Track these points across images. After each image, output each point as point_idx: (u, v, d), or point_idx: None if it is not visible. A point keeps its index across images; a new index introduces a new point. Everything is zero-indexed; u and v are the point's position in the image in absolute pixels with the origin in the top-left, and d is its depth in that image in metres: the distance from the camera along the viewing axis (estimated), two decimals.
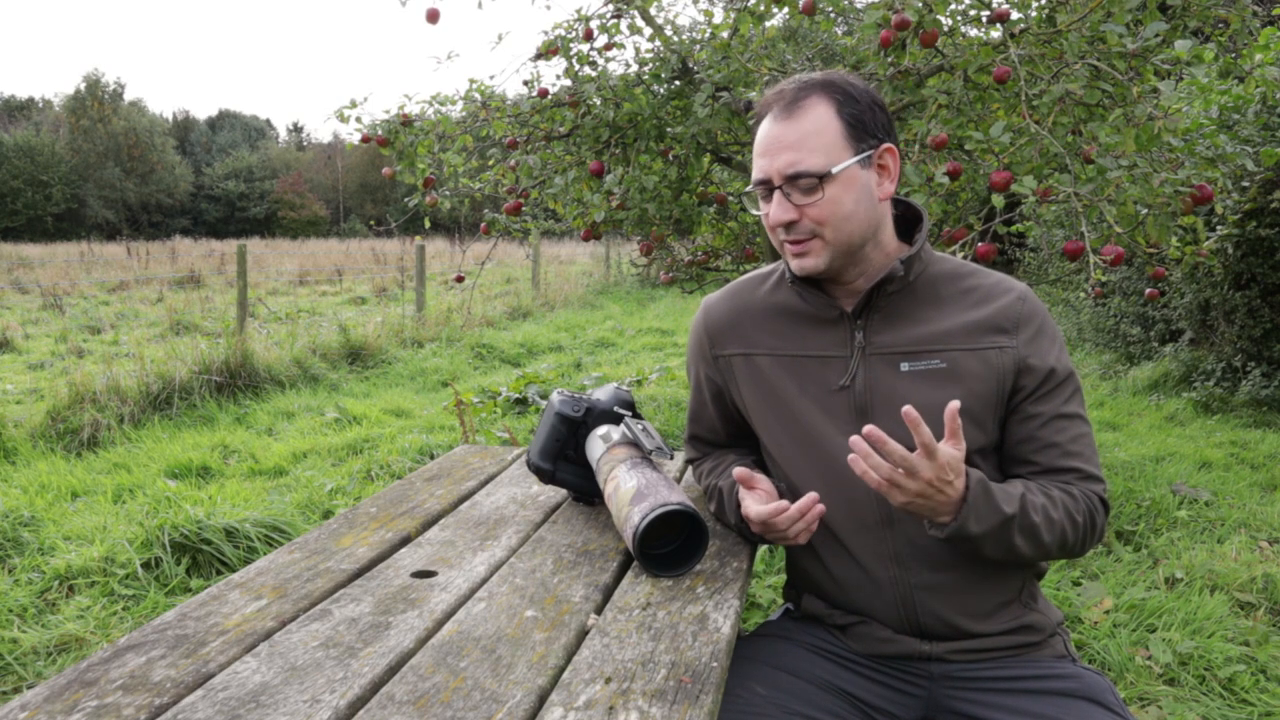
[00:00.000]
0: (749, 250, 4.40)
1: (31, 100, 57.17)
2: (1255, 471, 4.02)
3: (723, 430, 1.45)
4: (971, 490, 1.12)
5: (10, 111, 54.73)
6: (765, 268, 1.40)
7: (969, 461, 1.23)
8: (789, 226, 1.21)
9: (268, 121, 67.04)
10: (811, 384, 1.28)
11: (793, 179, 1.18)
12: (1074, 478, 1.21)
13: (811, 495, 1.17)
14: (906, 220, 1.32)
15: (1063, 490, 1.20)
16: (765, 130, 1.22)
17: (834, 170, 1.18)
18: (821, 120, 1.19)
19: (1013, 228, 3.86)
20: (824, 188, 1.18)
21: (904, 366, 1.23)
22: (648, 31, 3.80)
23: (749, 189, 1.27)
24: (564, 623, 1.05)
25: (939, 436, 1.20)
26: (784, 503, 1.19)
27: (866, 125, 1.21)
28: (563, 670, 0.94)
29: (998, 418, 1.24)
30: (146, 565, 2.91)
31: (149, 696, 0.87)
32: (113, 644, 0.99)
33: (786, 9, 3.39)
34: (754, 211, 1.28)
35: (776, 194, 1.20)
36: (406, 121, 3.79)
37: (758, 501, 1.24)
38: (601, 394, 1.48)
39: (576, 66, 3.65)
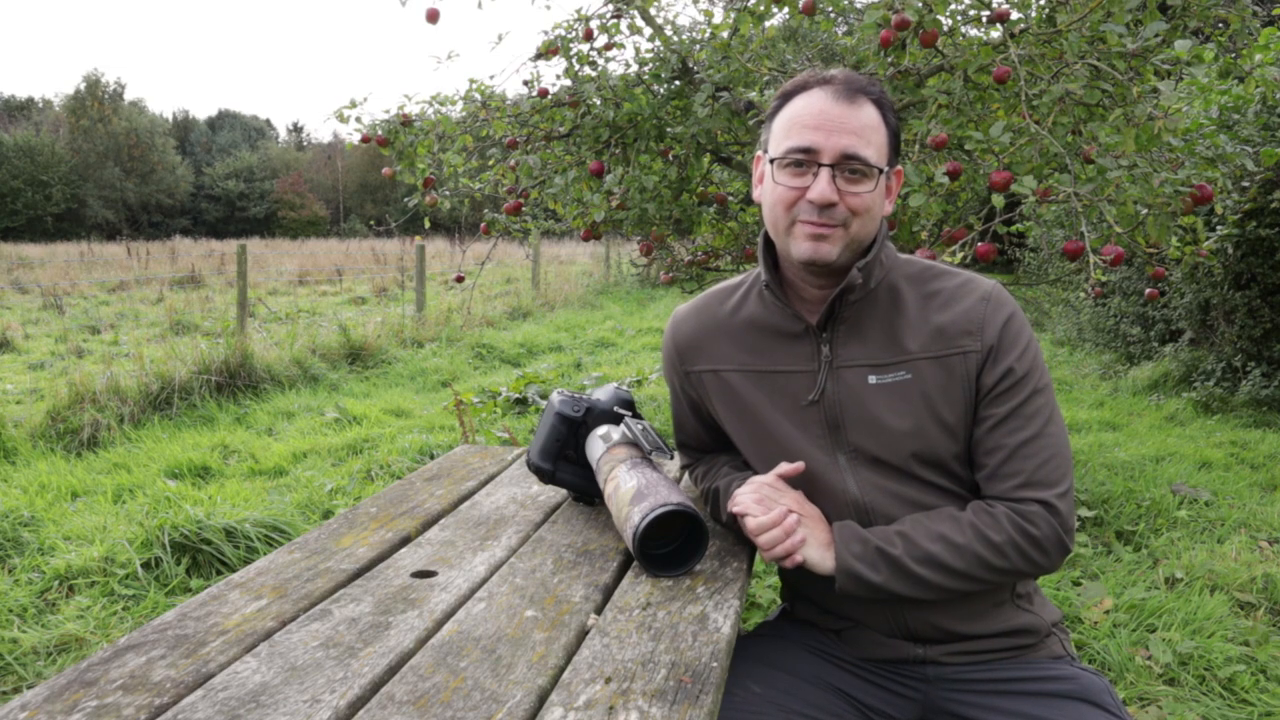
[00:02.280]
0: (749, 250, 4.39)
1: (31, 100, 57.14)
2: (1255, 471, 4.02)
3: (707, 438, 1.45)
4: (836, 530, 1.19)
5: (10, 111, 54.69)
6: (732, 280, 1.38)
7: (947, 470, 1.23)
8: (824, 209, 1.17)
9: (268, 121, 67.04)
10: (782, 398, 1.26)
11: (849, 159, 1.16)
12: (1013, 485, 1.16)
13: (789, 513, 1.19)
14: None
15: (981, 510, 1.17)
16: (819, 105, 1.18)
17: (884, 169, 1.19)
18: (876, 121, 1.19)
19: (1013, 228, 3.86)
20: (872, 182, 1.18)
21: (871, 379, 1.21)
22: (648, 31, 3.80)
23: (778, 155, 1.20)
24: (564, 623, 1.05)
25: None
26: (783, 511, 1.19)
27: (896, 144, 1.23)
28: (563, 670, 0.94)
29: (969, 424, 1.22)
30: (146, 565, 2.91)
31: (149, 696, 0.87)
32: (113, 644, 0.98)
33: (786, 9, 3.39)
34: (776, 181, 1.20)
35: (825, 171, 1.16)
36: (406, 121, 3.79)
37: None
38: (601, 394, 1.48)
39: (576, 66, 3.65)
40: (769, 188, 1.22)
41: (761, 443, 1.29)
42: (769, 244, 1.29)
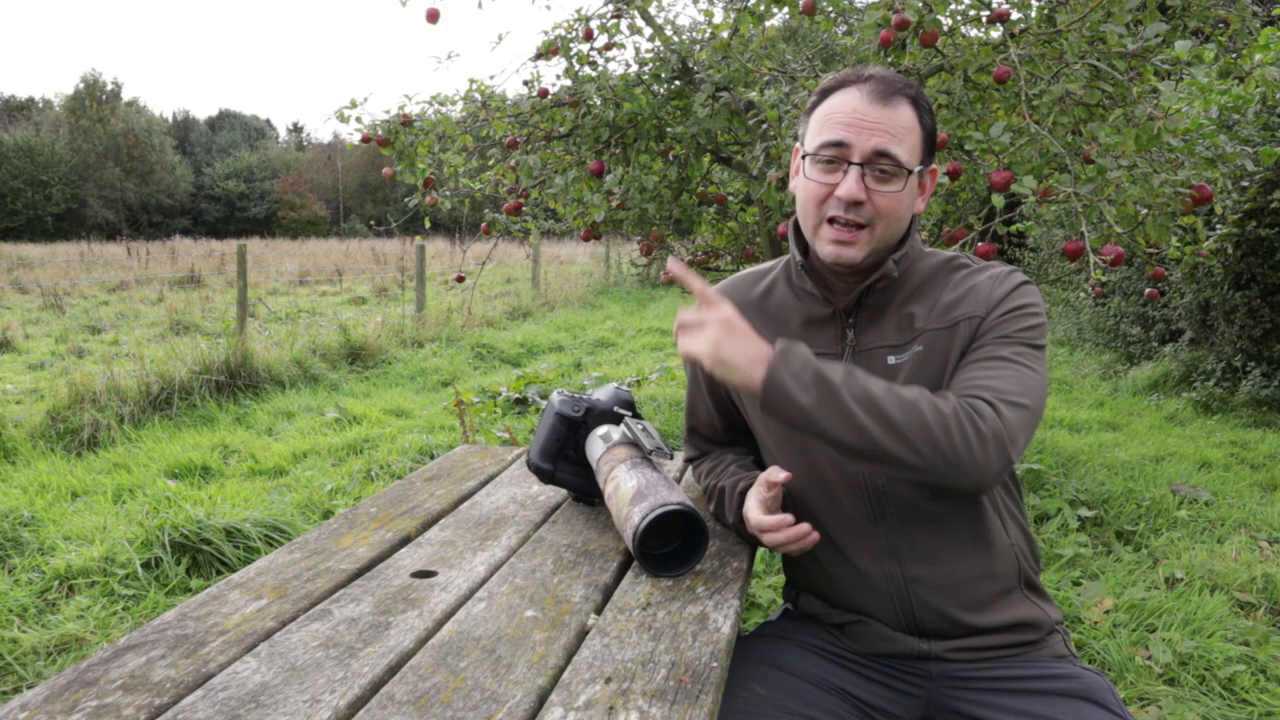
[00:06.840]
0: (749, 250, 4.40)
1: (31, 100, 57.15)
2: (1255, 471, 4.02)
3: (719, 425, 1.45)
4: (780, 344, 1.09)
5: (10, 111, 54.70)
6: (762, 265, 1.41)
7: None
8: (851, 206, 1.18)
9: (268, 121, 67.01)
10: None
11: (881, 156, 1.17)
12: (970, 388, 1.13)
13: (805, 526, 1.17)
14: None
15: (932, 392, 1.13)
16: (854, 103, 1.19)
17: (915, 170, 1.20)
18: (910, 121, 1.21)
19: (1013, 228, 3.87)
20: (901, 182, 1.19)
21: (890, 360, 1.24)
22: (648, 31, 3.80)
23: (812, 150, 1.21)
24: (564, 623, 1.05)
25: None
26: (787, 516, 1.19)
27: (931, 143, 1.24)
28: (563, 670, 0.94)
29: None
30: (146, 565, 2.91)
31: (149, 696, 0.87)
32: (113, 644, 0.98)
33: (786, 9, 3.39)
34: (807, 177, 1.22)
35: (855, 169, 1.17)
36: (406, 121, 3.79)
37: (761, 505, 1.23)
38: (601, 394, 1.48)
39: (576, 66, 3.65)
40: (802, 182, 1.24)
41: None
42: (799, 229, 1.30)
